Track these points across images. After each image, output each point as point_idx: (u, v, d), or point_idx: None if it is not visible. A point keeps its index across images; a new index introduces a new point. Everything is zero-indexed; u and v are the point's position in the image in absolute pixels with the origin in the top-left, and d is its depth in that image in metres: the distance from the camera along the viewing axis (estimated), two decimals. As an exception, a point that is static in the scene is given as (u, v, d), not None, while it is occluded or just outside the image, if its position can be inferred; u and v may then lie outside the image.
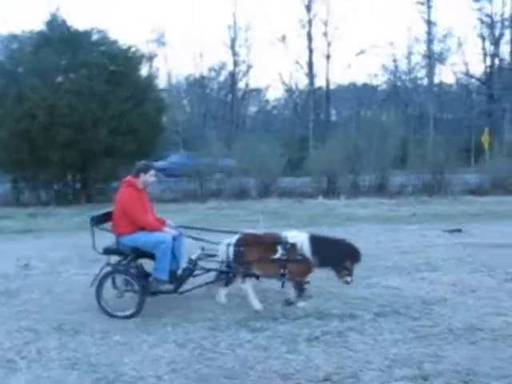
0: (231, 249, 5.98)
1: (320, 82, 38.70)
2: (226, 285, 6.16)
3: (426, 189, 19.34)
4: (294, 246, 5.83)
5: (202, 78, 45.41)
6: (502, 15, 34.71)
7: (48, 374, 4.52)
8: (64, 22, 17.64)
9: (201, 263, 6.20)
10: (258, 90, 46.84)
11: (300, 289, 5.98)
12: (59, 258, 9.40)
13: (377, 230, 11.93)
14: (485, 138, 24.38)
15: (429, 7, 33.39)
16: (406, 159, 20.17)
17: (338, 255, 5.85)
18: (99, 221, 6.25)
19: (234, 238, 6.09)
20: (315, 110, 36.14)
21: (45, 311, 6.27)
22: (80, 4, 54.60)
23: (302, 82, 39.17)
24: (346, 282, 5.92)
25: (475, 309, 5.93)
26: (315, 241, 5.87)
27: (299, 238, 5.91)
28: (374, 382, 4.18)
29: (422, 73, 40.21)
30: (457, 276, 7.44)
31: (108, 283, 6.04)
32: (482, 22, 34.77)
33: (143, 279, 6.01)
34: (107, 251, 6.13)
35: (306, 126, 34.70)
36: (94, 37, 18.07)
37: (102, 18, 57.51)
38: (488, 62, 37.58)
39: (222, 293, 6.20)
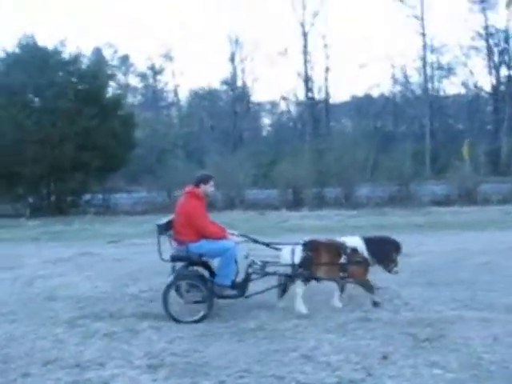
0: (298, 254, 6.26)
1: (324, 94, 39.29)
2: (284, 291, 6.44)
3: (391, 200, 19.57)
4: (354, 250, 6.32)
5: (209, 91, 46.53)
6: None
7: None
8: (35, 43, 18.65)
9: (268, 268, 6.37)
10: (262, 104, 47.60)
11: (370, 287, 6.42)
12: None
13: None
14: (465, 150, 24.44)
15: (422, 20, 33.62)
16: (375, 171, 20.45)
17: (387, 251, 6.44)
18: (166, 228, 6.35)
19: (299, 244, 6.36)
20: (315, 122, 36.51)
21: None
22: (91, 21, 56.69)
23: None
24: (396, 273, 6.51)
25: (290, 311, 6.34)
26: (369, 242, 6.41)
27: (356, 241, 6.41)
28: (110, 369, 4.73)
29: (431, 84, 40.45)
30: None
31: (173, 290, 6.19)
32: (480, 34, 34.78)
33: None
34: (175, 258, 6.25)
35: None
36: (64, 56, 18.99)
37: (113, 34, 59.48)
38: (493, 74, 37.34)
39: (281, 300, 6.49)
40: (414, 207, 18.75)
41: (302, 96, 38.44)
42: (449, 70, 40.33)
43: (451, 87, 48.88)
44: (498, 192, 20.61)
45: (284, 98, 40.60)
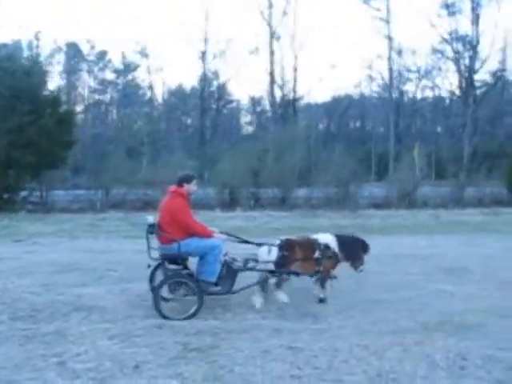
0: (275, 251, 6.64)
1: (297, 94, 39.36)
2: (263, 290, 6.76)
3: (329, 202, 19.60)
4: (327, 246, 6.77)
5: (182, 89, 46.57)
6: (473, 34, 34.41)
7: None
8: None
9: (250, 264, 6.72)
10: (234, 101, 47.62)
11: (324, 284, 6.86)
12: None
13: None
14: (416, 152, 24.50)
15: (388, 22, 33.62)
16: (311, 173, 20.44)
17: (356, 249, 6.93)
18: (155, 227, 6.45)
19: (276, 242, 6.75)
20: (283, 122, 36.40)
21: None
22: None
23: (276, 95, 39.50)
24: (361, 271, 6.99)
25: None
26: (339, 239, 6.89)
27: (329, 238, 6.88)
28: None
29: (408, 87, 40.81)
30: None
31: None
32: (446, 40, 34.77)
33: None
34: (165, 257, 6.39)
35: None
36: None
37: (91, 29, 59.66)
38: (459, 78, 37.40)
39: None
40: (351, 210, 18.81)
41: (273, 95, 38.23)
42: (419, 73, 40.48)
43: (423, 90, 48.73)
44: (438, 196, 20.69)
45: (252, 99, 40.43)
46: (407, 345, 5.32)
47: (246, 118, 54.40)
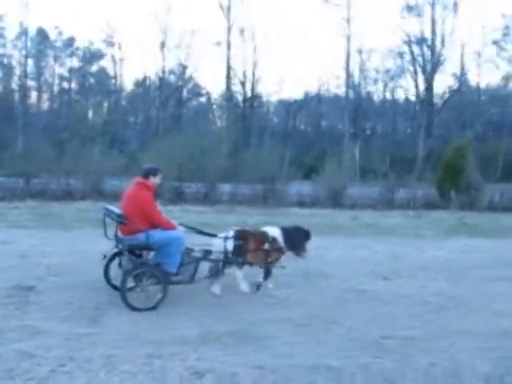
0: (230, 242, 6.93)
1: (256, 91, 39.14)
2: (217, 275, 7.08)
3: (255, 199, 19.29)
4: (274, 238, 7.23)
5: (148, 80, 46.11)
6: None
7: None
8: None
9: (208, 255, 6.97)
10: (203, 95, 47.21)
11: (269, 273, 7.39)
12: None
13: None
14: (356, 152, 24.40)
15: (348, 21, 33.31)
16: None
17: (299, 238, 7.47)
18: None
19: (230, 233, 7.06)
20: (242, 118, 36.13)
21: None
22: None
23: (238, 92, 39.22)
24: (303, 257, 7.58)
25: None
26: (284, 231, 7.36)
27: (276, 232, 7.34)
28: None
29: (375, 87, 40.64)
30: None
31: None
32: (406, 42, 34.59)
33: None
34: (132, 247, 6.49)
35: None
36: None
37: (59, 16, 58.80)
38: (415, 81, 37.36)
39: (217, 286, 7.09)
40: (274, 207, 18.49)
41: (230, 90, 37.87)
42: (386, 74, 40.40)
43: (390, 92, 48.64)
44: (368, 196, 20.46)
45: (207, 93, 40.08)
46: (156, 357, 4.93)
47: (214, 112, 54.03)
